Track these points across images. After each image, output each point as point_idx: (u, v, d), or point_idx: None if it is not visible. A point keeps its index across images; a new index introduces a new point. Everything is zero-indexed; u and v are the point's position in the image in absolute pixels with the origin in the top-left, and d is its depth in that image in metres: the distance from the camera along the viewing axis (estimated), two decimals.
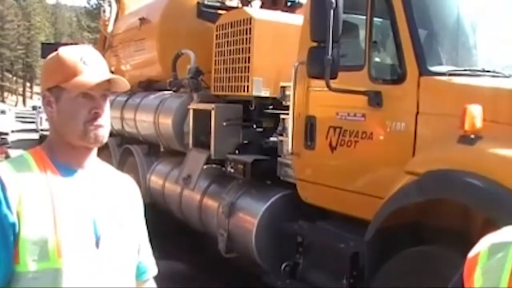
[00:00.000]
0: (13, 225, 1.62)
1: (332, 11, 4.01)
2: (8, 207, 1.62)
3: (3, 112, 29.33)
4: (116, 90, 1.88)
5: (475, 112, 3.42)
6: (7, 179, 1.66)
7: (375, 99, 4.24)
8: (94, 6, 68.70)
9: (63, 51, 1.83)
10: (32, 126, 32.24)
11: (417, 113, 3.99)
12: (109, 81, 1.81)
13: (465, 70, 4.02)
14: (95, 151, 1.87)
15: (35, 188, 1.68)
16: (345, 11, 4.16)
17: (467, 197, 3.44)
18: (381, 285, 3.95)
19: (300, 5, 7.52)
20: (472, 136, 3.44)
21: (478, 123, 3.42)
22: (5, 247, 1.61)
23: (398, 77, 4.20)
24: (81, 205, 1.75)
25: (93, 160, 1.87)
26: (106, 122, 1.81)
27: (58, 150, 1.80)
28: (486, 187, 3.29)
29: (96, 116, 1.78)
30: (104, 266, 1.74)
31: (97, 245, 1.74)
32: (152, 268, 2.10)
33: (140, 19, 8.72)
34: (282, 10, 7.03)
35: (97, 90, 1.78)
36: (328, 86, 4.12)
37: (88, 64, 1.78)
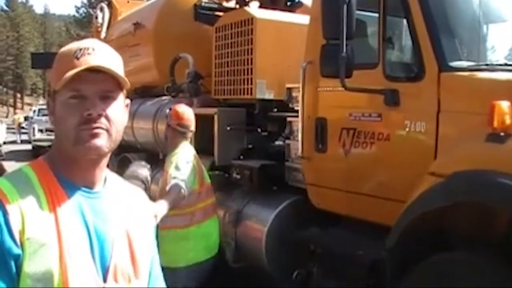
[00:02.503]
0: (17, 257, 1.39)
1: (345, 7, 3.83)
2: (12, 236, 1.39)
3: None
4: (111, 88, 1.54)
5: (505, 109, 3.23)
6: (9, 202, 1.41)
7: (392, 98, 4.04)
8: (83, 15, 68.65)
9: (61, 50, 1.58)
10: (24, 137, 31.93)
11: (438, 111, 3.79)
12: (116, 80, 1.53)
13: (486, 65, 3.84)
14: (103, 163, 1.59)
15: (39, 213, 1.44)
16: (357, 7, 3.97)
17: (500, 199, 3.23)
18: None
19: (300, 4, 7.32)
20: (502, 133, 3.24)
21: (508, 120, 3.23)
22: (11, 281, 1.38)
23: (415, 74, 4.00)
24: (88, 232, 1.51)
25: (101, 174, 1.60)
26: (107, 127, 1.50)
27: (60, 163, 1.55)
28: None
29: (90, 120, 1.47)
30: None
31: (104, 278, 1.51)
32: None
33: (134, 24, 8.52)
34: (282, 10, 6.83)
35: (92, 89, 1.48)
36: (343, 85, 3.91)
37: (81, 58, 1.49)
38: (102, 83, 1.50)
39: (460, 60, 3.93)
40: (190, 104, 6.80)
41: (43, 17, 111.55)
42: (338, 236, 4.69)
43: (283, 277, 5.17)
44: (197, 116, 6.49)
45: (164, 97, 7.82)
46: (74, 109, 1.47)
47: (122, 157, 8.96)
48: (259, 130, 6.22)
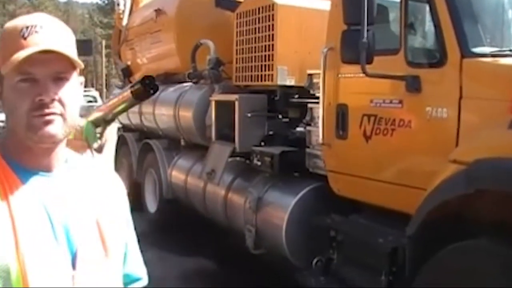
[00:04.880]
0: None
1: None
2: None
3: None
4: (64, 69, 1.40)
5: None
6: None
7: (413, 84, 3.99)
8: (106, 2, 68.85)
9: (6, 26, 1.42)
10: None
11: (460, 97, 3.73)
12: (69, 59, 1.39)
13: (510, 50, 3.77)
14: (61, 146, 1.46)
15: None
16: None
17: None
18: (425, 282, 3.71)
19: None
20: None
21: None
22: None
23: (437, 60, 3.95)
24: (49, 217, 1.38)
25: (59, 157, 1.47)
26: (62, 112, 1.38)
27: (12, 149, 1.42)
28: None
29: (42, 105, 1.35)
30: None
31: (73, 265, 1.39)
32: (142, 278, 1.76)
33: (155, 10, 8.53)
34: None
35: (43, 72, 1.36)
36: (364, 71, 3.88)
37: (28, 38, 1.35)
38: (54, 64, 1.37)
39: (483, 45, 3.85)
40: (211, 91, 6.83)
41: (66, 5, 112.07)
42: (358, 223, 4.66)
43: (303, 263, 5.16)
44: (218, 103, 6.55)
45: (185, 84, 7.83)
46: (24, 94, 1.35)
47: (144, 143, 9.02)
48: (280, 116, 6.20)
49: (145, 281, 1.77)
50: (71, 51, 1.41)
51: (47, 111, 1.36)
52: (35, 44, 1.35)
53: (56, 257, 1.36)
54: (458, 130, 3.73)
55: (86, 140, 7.89)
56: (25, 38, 1.36)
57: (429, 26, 4.14)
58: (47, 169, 1.45)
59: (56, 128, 1.38)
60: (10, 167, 1.40)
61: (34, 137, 1.37)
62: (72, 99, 1.42)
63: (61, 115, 1.38)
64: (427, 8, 4.04)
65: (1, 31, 1.46)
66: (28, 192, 1.38)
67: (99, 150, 5.36)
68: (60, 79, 1.39)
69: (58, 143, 1.43)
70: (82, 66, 1.44)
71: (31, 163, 1.42)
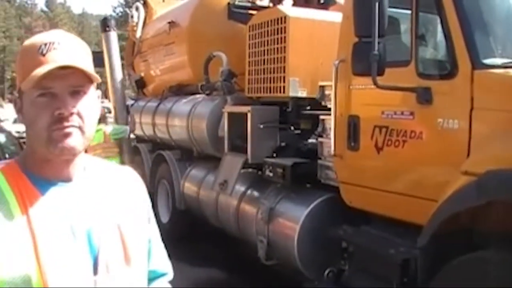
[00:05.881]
0: None
1: (377, 5, 3.81)
2: None
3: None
4: (81, 83, 1.43)
5: None
6: None
7: (424, 96, 4.00)
8: (120, 14, 69.27)
9: (24, 44, 1.45)
10: None
11: (472, 109, 3.73)
12: (88, 76, 1.43)
13: None
14: (79, 158, 1.49)
15: (8, 216, 1.35)
16: (389, 4, 3.95)
17: None
18: None
19: (333, 2, 7.30)
20: None
21: None
22: None
23: (448, 72, 3.95)
24: (69, 225, 1.41)
25: (79, 165, 1.50)
26: (80, 125, 1.41)
27: (32, 163, 1.46)
28: None
29: (61, 119, 1.38)
30: None
31: (95, 270, 1.42)
32: (167, 273, 1.78)
33: (169, 23, 8.61)
34: (315, 8, 6.81)
35: (61, 86, 1.38)
36: (375, 83, 3.90)
37: (47, 55, 1.38)
38: (72, 79, 1.40)
39: (494, 57, 3.86)
40: (224, 102, 6.88)
41: (80, 17, 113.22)
42: (370, 234, 4.66)
43: (314, 274, 5.16)
44: (230, 114, 6.58)
45: (198, 95, 7.88)
46: (43, 108, 1.38)
47: (157, 154, 9.07)
48: (292, 128, 6.22)
49: (170, 275, 1.78)
50: (88, 65, 1.44)
51: (66, 124, 1.38)
52: (53, 60, 1.37)
53: (77, 263, 1.39)
54: (469, 141, 3.73)
55: (117, 140, 8.00)
56: (43, 55, 1.38)
57: (440, 37, 4.15)
58: (67, 179, 1.47)
59: (75, 140, 1.40)
60: (29, 180, 1.43)
61: (55, 150, 1.40)
62: (90, 112, 1.44)
63: (80, 128, 1.41)
64: (438, 19, 4.06)
65: (15, 44, 1.47)
66: (48, 203, 1.41)
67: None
68: (77, 92, 1.41)
69: (77, 154, 1.46)
70: (99, 80, 1.46)
71: (51, 174, 1.45)
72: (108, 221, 1.49)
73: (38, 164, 1.45)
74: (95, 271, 1.41)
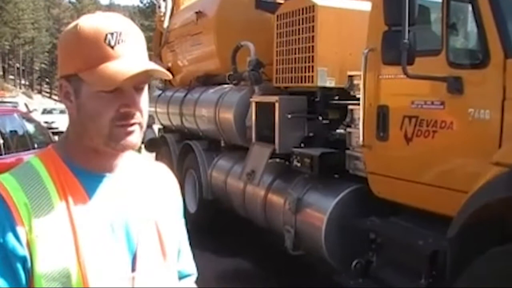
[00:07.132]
0: (24, 259, 1.26)
1: None
2: (16, 237, 1.26)
3: (62, 112, 29.21)
4: (146, 80, 1.41)
5: None
6: (13, 200, 1.28)
7: (455, 86, 3.94)
8: (147, 5, 69.71)
9: (82, 24, 1.34)
10: None
11: (504, 99, 3.66)
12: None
13: None
14: None
15: (49, 206, 1.31)
16: None
17: None
18: (466, 286, 3.66)
19: None
20: None
21: None
22: (15, 282, 1.27)
23: (480, 61, 3.88)
24: (109, 219, 1.38)
25: (123, 158, 1.46)
26: (140, 121, 1.39)
27: (76, 153, 1.41)
28: None
29: (127, 115, 1.34)
30: None
31: (133, 266, 1.39)
32: (192, 274, 1.76)
33: (196, 12, 8.60)
34: None
35: (130, 83, 1.33)
36: (405, 72, 3.85)
37: (116, 48, 1.31)
38: (140, 76, 1.33)
39: None
40: (252, 92, 6.87)
41: (108, 8, 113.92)
42: (398, 226, 4.62)
43: (342, 265, 5.14)
44: (258, 104, 6.57)
45: (225, 85, 7.88)
46: (108, 103, 1.33)
47: (185, 144, 9.11)
48: (320, 118, 6.16)
49: (194, 277, 1.77)
50: (153, 63, 1.40)
51: (131, 121, 1.36)
52: (123, 55, 1.32)
53: (116, 259, 1.37)
54: (501, 132, 3.67)
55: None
56: (112, 47, 1.32)
57: (471, 26, 4.09)
58: (109, 171, 1.44)
59: (136, 137, 1.39)
60: (71, 171, 1.39)
61: (116, 146, 1.37)
62: (147, 107, 1.43)
63: (139, 124, 1.39)
64: (470, 8, 3.99)
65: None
66: (89, 195, 1.38)
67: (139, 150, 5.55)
68: (140, 89, 1.39)
69: (132, 150, 1.45)
70: (171, 77, 1.44)
71: (96, 166, 1.42)
72: (146, 217, 1.47)
73: (83, 154, 1.41)
74: (133, 268, 1.40)
